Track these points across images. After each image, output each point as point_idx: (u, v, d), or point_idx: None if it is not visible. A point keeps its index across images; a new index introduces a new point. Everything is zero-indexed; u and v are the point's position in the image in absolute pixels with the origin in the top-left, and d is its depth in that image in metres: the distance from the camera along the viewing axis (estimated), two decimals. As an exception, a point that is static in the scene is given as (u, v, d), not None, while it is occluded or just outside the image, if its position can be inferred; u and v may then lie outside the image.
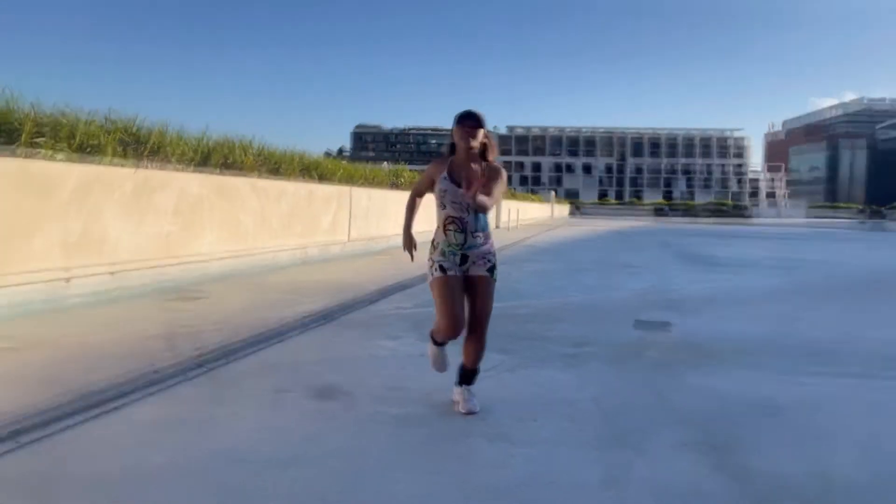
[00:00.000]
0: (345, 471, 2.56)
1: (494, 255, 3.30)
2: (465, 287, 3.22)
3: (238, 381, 3.75)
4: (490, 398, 3.52)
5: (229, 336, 4.77)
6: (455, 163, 3.20)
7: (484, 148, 3.21)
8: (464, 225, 3.15)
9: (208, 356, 4.19)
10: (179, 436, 2.87)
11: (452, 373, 3.44)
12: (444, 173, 3.18)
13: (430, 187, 3.31)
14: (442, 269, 3.17)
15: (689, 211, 77.70)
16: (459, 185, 3.08)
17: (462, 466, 2.64)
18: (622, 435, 3.02)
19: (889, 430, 3.23)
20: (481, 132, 3.17)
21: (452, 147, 3.25)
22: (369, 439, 2.90)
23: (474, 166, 3.15)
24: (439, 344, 3.42)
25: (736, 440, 2.98)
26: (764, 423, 3.26)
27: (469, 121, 3.15)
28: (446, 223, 3.18)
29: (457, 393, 3.37)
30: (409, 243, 3.44)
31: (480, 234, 3.21)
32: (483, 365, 4.20)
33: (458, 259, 3.19)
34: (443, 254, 3.20)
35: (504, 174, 3.29)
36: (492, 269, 3.24)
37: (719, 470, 2.64)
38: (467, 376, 3.34)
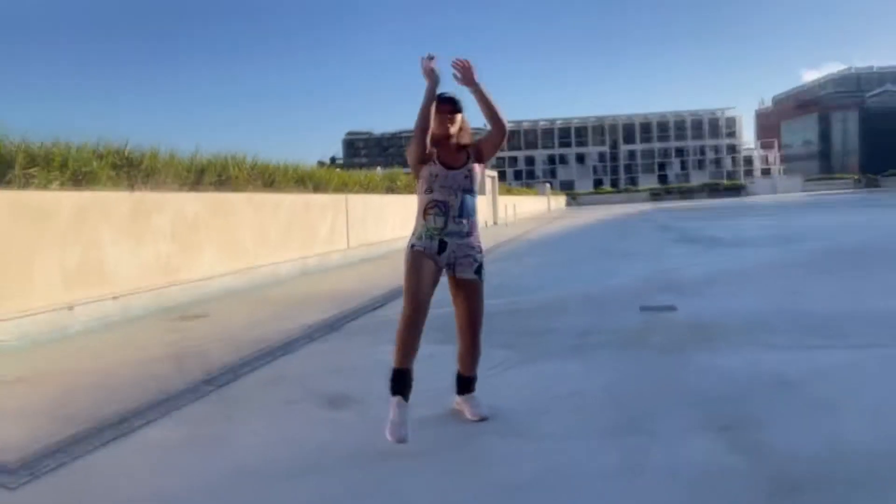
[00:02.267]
0: (360, 477, 2.57)
1: (481, 253, 3.12)
2: (454, 292, 3.09)
3: (248, 396, 3.75)
4: (499, 394, 3.52)
5: (235, 352, 4.77)
6: (442, 149, 3.02)
7: (462, 130, 3.08)
8: (446, 208, 2.96)
9: (216, 374, 4.19)
10: (193, 456, 2.87)
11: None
12: (434, 157, 3.00)
13: (424, 155, 2.99)
14: (413, 246, 3.00)
15: (686, 193, 77.73)
16: (450, 168, 2.97)
17: (476, 466, 2.64)
18: (635, 421, 3.02)
19: (900, 397, 3.23)
20: (459, 117, 3.04)
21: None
22: (381, 445, 2.90)
23: (457, 147, 3.04)
24: (398, 379, 2.91)
25: (748, 417, 2.99)
26: (775, 398, 3.26)
27: (447, 105, 2.99)
28: (428, 207, 2.98)
29: (460, 402, 3.23)
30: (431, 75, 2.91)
31: (465, 221, 3.00)
32: (489, 362, 4.21)
33: (435, 245, 2.98)
34: (419, 237, 3.01)
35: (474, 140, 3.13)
36: (479, 270, 3.08)
37: (735, 448, 2.64)
38: (466, 384, 3.22)
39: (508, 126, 3.07)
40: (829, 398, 3.22)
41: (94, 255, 6.23)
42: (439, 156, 3.01)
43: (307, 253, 10.54)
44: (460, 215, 2.99)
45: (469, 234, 3.04)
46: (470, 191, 3.04)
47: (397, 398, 2.88)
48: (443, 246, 2.99)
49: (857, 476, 2.36)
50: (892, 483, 2.32)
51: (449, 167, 2.99)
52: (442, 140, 3.03)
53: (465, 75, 2.90)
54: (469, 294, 3.07)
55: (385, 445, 2.89)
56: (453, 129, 3.03)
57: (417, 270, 2.95)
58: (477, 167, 3.07)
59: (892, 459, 2.49)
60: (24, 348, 5.27)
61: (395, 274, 9.79)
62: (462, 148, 3.07)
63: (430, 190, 2.99)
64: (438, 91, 2.94)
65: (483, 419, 3.12)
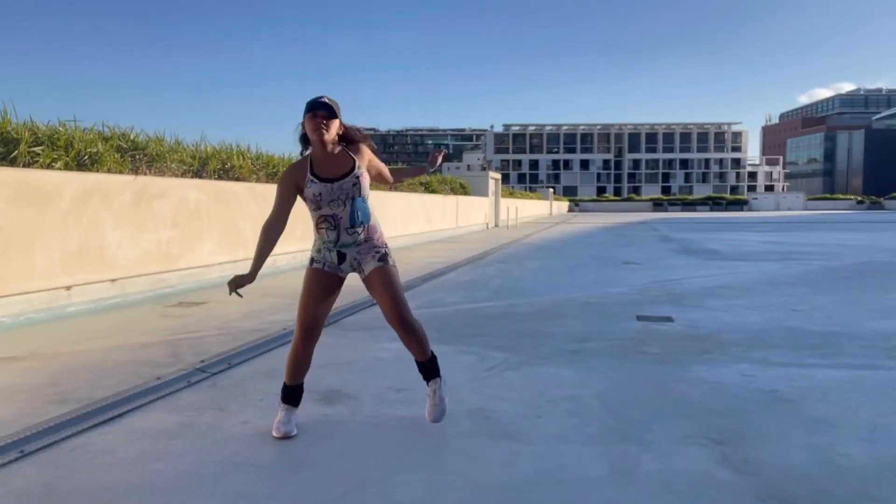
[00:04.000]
0: (351, 473, 2.56)
1: (384, 247, 2.97)
2: (370, 287, 2.93)
3: (242, 387, 3.74)
4: (494, 396, 3.51)
5: (231, 341, 4.77)
6: (315, 159, 2.87)
7: (345, 133, 2.93)
8: (336, 221, 2.84)
9: (211, 362, 4.18)
10: (184, 443, 2.86)
11: (450, 375, 3.42)
12: (309, 175, 2.85)
13: (292, 199, 2.93)
14: (312, 261, 2.93)
15: (688, 205, 77.75)
16: (332, 180, 2.82)
17: (468, 466, 2.63)
18: (628, 429, 3.02)
19: (895, 419, 3.22)
20: (336, 122, 2.85)
21: (305, 139, 2.92)
22: (375, 441, 2.90)
23: (338, 153, 2.89)
24: (288, 393, 3.00)
25: (742, 432, 2.98)
26: (769, 413, 3.25)
27: (321, 110, 2.81)
28: (319, 222, 2.87)
29: (428, 392, 3.07)
30: (240, 282, 2.93)
31: (358, 230, 2.88)
32: (487, 363, 4.20)
33: (333, 257, 2.90)
34: (318, 251, 2.94)
35: (368, 142, 3.00)
36: (383, 258, 2.91)
37: (726, 462, 2.64)
38: (427, 369, 3.05)
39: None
40: (824, 416, 3.21)
41: (95, 238, 6.22)
42: (316, 171, 2.86)
43: (307, 246, 10.54)
44: (352, 225, 2.87)
45: (367, 239, 2.93)
46: (358, 198, 2.87)
47: (286, 405, 3.00)
48: (342, 257, 2.92)
49: (850, 496, 2.35)
50: (883, 504, 2.31)
51: (327, 180, 2.84)
52: (317, 149, 2.88)
53: (434, 165, 3.15)
54: (381, 278, 2.88)
55: (376, 443, 2.88)
56: (328, 136, 2.84)
57: (310, 291, 2.91)
58: (365, 173, 2.93)
59: (885, 480, 2.48)
60: (20, 327, 5.26)
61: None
62: (348, 154, 2.92)
63: (318, 207, 2.86)
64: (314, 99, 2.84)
65: (434, 421, 3.02)
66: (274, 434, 2.92)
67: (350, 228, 2.87)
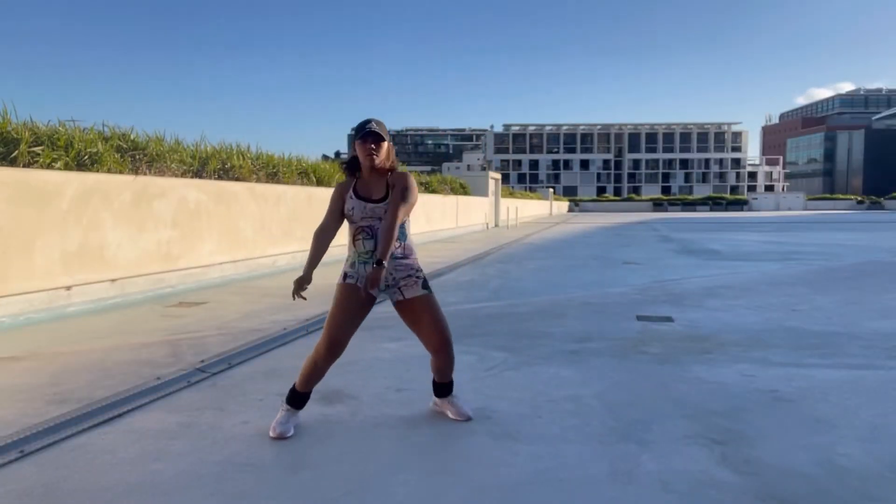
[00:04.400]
0: (351, 474, 2.56)
1: (421, 270, 3.06)
2: (409, 314, 3.02)
3: (242, 387, 3.74)
4: (494, 396, 3.52)
5: (231, 341, 4.77)
6: (361, 178, 3.01)
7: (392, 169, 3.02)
8: (374, 232, 2.91)
9: (211, 362, 4.18)
10: (184, 443, 2.86)
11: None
12: (350, 192, 2.98)
13: (340, 209, 3.03)
14: (345, 276, 2.97)
15: (688, 205, 77.75)
16: (369, 201, 2.92)
17: (468, 466, 2.63)
18: (628, 429, 3.02)
19: (895, 418, 3.22)
20: (385, 146, 2.96)
21: (353, 161, 3.04)
22: (375, 441, 2.90)
23: (380, 177, 2.98)
24: (296, 398, 3.03)
25: (742, 432, 2.98)
26: (769, 413, 3.25)
27: (370, 137, 2.92)
28: (356, 233, 2.95)
29: (441, 403, 3.20)
30: (301, 284, 2.97)
31: (398, 245, 2.96)
32: (486, 363, 4.21)
33: (368, 270, 2.89)
34: (352, 265, 2.97)
35: (410, 180, 2.99)
36: (426, 285, 3.02)
37: (726, 462, 2.64)
38: (444, 389, 3.18)
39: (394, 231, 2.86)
40: (825, 416, 3.21)
41: (95, 238, 6.22)
42: (358, 189, 2.98)
43: (308, 246, 10.53)
44: None
45: (404, 256, 3.00)
46: None
47: (289, 407, 3.02)
48: None
49: (850, 496, 2.35)
50: (883, 504, 2.32)
51: (363, 198, 2.95)
52: (365, 171, 2.99)
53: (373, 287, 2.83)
54: (426, 308, 3.00)
55: (376, 443, 2.88)
56: (378, 161, 2.95)
57: (343, 306, 2.92)
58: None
59: (886, 480, 2.48)
60: (20, 327, 5.26)
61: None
62: (387, 183, 2.98)
63: (353, 220, 2.97)
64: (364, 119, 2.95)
65: (468, 419, 3.11)
66: (270, 434, 2.92)
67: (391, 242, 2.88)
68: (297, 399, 3.04)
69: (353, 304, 2.93)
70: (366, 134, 2.92)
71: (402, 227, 3.00)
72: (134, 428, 3.04)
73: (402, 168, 3.16)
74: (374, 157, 2.94)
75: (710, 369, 4.09)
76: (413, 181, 3.02)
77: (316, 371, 2.98)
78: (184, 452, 2.75)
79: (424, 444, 2.88)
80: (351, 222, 3.00)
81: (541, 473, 2.54)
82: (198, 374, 3.94)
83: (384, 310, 6.31)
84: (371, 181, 2.99)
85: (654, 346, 4.77)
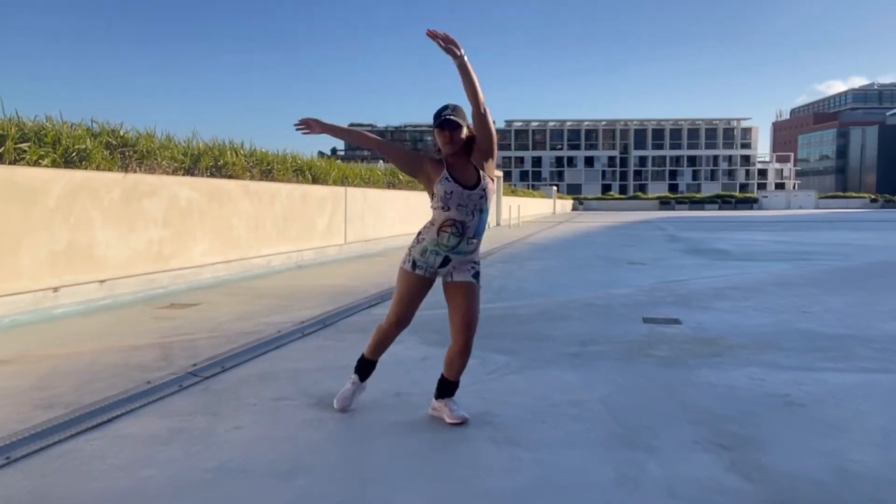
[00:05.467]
0: (348, 480, 2.56)
1: (479, 263, 3.18)
2: (450, 294, 3.12)
3: (235, 391, 3.74)
4: (495, 401, 3.52)
5: (224, 344, 4.77)
6: (449, 163, 3.05)
7: (470, 140, 3.06)
8: (464, 229, 2.99)
9: (203, 365, 4.19)
10: (175, 449, 2.86)
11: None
12: (445, 174, 3.01)
13: (414, 169, 3.14)
14: (414, 265, 3.09)
15: (696, 203, 77.75)
16: (465, 187, 2.98)
17: (468, 473, 2.63)
18: (633, 435, 3.02)
19: (909, 424, 3.22)
20: (463, 131, 3.02)
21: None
22: (373, 447, 2.90)
23: (464, 160, 3.06)
24: (364, 366, 3.37)
25: (751, 437, 2.98)
26: (779, 418, 3.25)
27: (448, 126, 2.99)
28: (444, 224, 3.00)
29: (438, 406, 3.25)
30: (314, 122, 3.17)
31: (475, 241, 3.08)
32: (488, 366, 4.21)
33: (438, 261, 3.05)
34: (423, 252, 3.07)
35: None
36: (476, 276, 3.12)
37: (735, 468, 2.64)
38: (449, 389, 3.23)
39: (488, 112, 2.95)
40: (836, 421, 3.21)
41: (84, 237, 6.23)
42: (453, 173, 3.02)
43: (303, 246, 10.55)
44: (474, 235, 3.05)
45: (475, 250, 3.13)
46: (485, 210, 3.07)
47: (356, 377, 3.38)
48: (446, 261, 3.07)
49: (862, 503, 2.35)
50: (897, 512, 2.32)
51: (465, 186, 3.00)
52: (447, 157, 3.06)
53: (448, 42, 2.78)
54: (467, 293, 3.09)
55: (373, 449, 2.89)
56: (457, 146, 3.03)
57: (411, 294, 3.14)
58: (490, 183, 3.06)
59: (898, 487, 2.48)
60: (6, 330, 5.26)
61: (392, 272, 9.77)
62: (472, 164, 3.07)
63: (446, 208, 3.00)
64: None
65: (463, 421, 3.15)
66: (335, 405, 3.33)
67: (473, 238, 3.05)
68: (365, 367, 3.37)
69: (419, 291, 3.16)
70: (442, 122, 2.99)
71: (486, 219, 3.10)
72: (123, 433, 3.04)
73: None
74: (454, 145, 3.01)
75: (718, 373, 4.10)
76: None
77: (385, 339, 3.30)
78: (175, 459, 2.75)
79: (424, 450, 2.88)
80: (443, 208, 3.01)
81: (543, 480, 2.54)
82: (190, 377, 3.94)
83: (381, 312, 6.32)
84: (458, 166, 3.05)
85: (661, 348, 4.77)
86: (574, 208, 71.42)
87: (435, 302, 3.12)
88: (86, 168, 6.37)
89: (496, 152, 3.13)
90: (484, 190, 3.02)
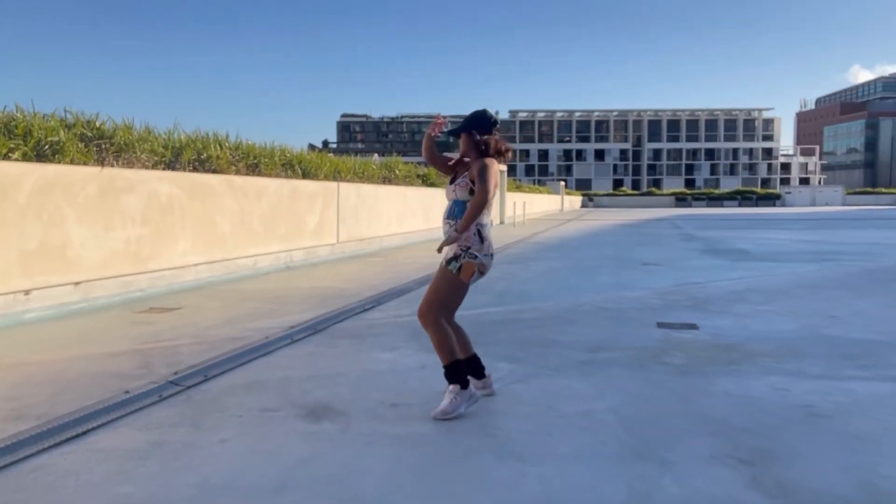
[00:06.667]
0: (340, 497, 2.56)
1: (463, 252, 3.49)
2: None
3: (219, 401, 3.74)
4: (499, 412, 3.52)
5: (208, 351, 4.77)
6: (460, 161, 3.74)
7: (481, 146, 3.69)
8: (446, 213, 3.62)
9: (185, 374, 4.19)
10: (155, 464, 2.87)
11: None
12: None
13: (448, 166, 3.80)
14: (483, 272, 3.56)
15: (715, 199, 77.83)
16: (451, 182, 3.67)
17: (469, 489, 2.63)
18: (646, 448, 3.02)
19: (942, 437, 3.23)
20: (462, 139, 3.73)
21: (484, 148, 3.60)
22: (367, 462, 2.90)
23: (466, 161, 3.71)
24: (455, 372, 3.50)
25: (773, 451, 2.98)
26: (804, 431, 3.26)
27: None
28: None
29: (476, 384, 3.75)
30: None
31: (449, 222, 3.55)
32: (491, 375, 4.21)
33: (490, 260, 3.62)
34: (487, 251, 3.57)
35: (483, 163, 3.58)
36: (452, 260, 3.48)
37: (756, 484, 2.64)
38: (445, 373, 3.58)
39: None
40: (864, 434, 3.22)
41: (57, 236, 6.23)
42: (458, 168, 3.76)
43: (292, 246, 10.55)
44: (447, 216, 3.63)
45: (448, 232, 3.57)
46: (457, 201, 3.58)
47: (454, 387, 3.47)
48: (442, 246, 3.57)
49: (891, 521, 2.35)
50: (929, 531, 2.32)
51: (451, 181, 3.71)
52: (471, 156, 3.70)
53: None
54: (435, 276, 3.55)
55: (367, 463, 2.89)
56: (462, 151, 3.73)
57: (465, 292, 3.55)
58: (465, 182, 3.57)
59: (930, 505, 2.48)
60: (-26, 335, 5.26)
61: (387, 273, 9.80)
62: (465, 165, 3.70)
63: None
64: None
65: (436, 418, 3.38)
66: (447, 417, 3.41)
67: (446, 219, 3.57)
68: (456, 373, 3.46)
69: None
70: (496, 125, 3.74)
71: (462, 207, 3.54)
72: (99, 447, 3.05)
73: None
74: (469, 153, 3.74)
75: (738, 382, 4.10)
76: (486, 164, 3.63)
77: (456, 332, 3.61)
78: (154, 474, 2.75)
79: (422, 465, 2.88)
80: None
81: (550, 497, 2.54)
82: (170, 387, 3.95)
83: (375, 316, 6.33)
84: (462, 164, 3.77)
85: (676, 355, 4.77)
86: (583, 205, 71.51)
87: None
88: (59, 162, 6.38)
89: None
90: (454, 183, 3.61)
